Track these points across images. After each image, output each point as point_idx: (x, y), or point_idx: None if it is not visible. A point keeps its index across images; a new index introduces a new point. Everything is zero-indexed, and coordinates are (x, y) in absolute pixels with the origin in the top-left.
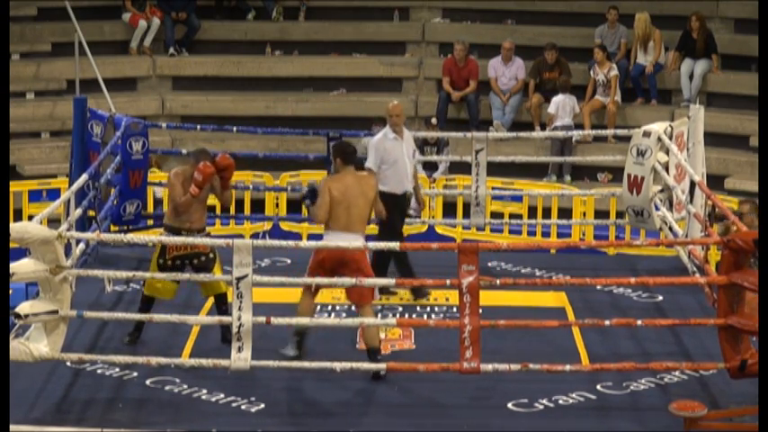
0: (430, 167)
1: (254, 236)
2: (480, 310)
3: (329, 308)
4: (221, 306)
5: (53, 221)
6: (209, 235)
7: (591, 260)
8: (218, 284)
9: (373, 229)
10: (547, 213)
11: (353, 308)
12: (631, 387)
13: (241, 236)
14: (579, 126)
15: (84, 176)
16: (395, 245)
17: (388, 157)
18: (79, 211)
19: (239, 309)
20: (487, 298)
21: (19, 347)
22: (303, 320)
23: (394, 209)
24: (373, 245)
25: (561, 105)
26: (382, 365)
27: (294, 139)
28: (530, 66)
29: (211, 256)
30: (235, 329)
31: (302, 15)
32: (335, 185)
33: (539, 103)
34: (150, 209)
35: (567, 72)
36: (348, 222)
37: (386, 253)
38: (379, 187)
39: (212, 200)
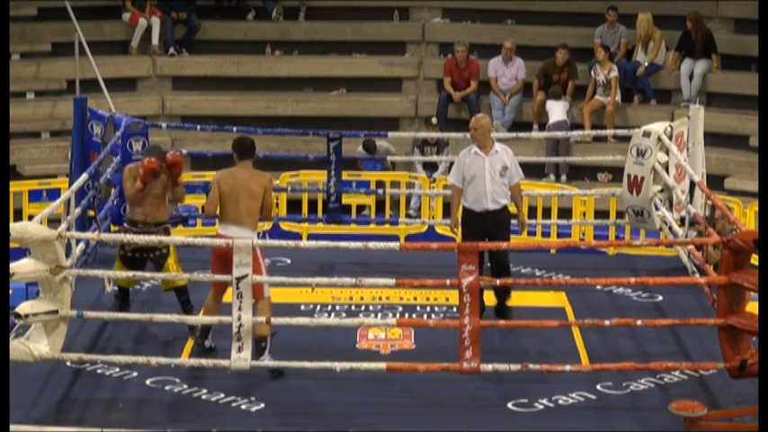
0: (430, 167)
1: None
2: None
3: (329, 308)
4: (181, 297)
5: (53, 221)
6: (167, 229)
7: (591, 260)
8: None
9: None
10: (547, 213)
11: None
12: (631, 387)
13: None
14: (577, 125)
15: (84, 176)
16: (395, 245)
17: (468, 173)
18: (79, 211)
19: (239, 309)
20: (488, 298)
21: (19, 347)
22: (303, 320)
23: (471, 226)
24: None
25: (556, 107)
26: (275, 364)
27: (294, 139)
28: (533, 65)
29: (164, 251)
30: (235, 329)
31: (302, 15)
32: (225, 180)
33: (542, 102)
34: None
35: (575, 74)
36: (236, 216)
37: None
38: (462, 203)
39: None
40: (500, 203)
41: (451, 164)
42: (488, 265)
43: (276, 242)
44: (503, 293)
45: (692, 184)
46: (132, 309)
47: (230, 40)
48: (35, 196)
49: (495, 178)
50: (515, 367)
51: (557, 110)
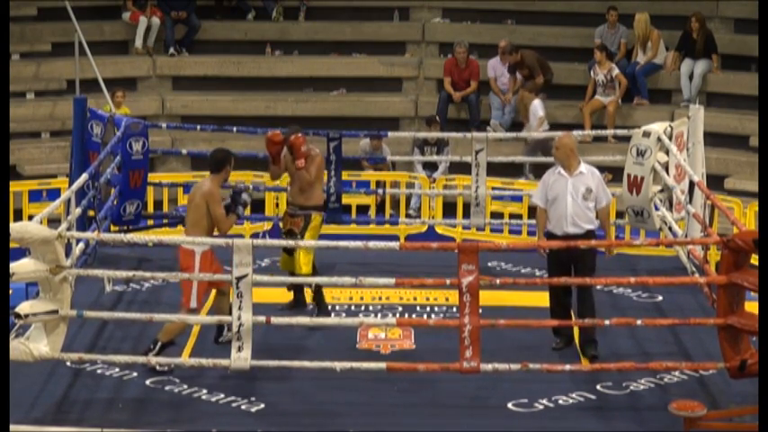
0: (430, 167)
1: (254, 236)
2: (480, 310)
3: (329, 308)
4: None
5: (53, 221)
6: (307, 216)
7: None
8: (296, 265)
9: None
10: None
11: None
12: (631, 387)
13: (241, 236)
14: (577, 125)
15: (84, 176)
16: (395, 245)
17: (551, 193)
18: (79, 211)
19: (239, 308)
20: (487, 298)
21: (19, 347)
22: (303, 320)
23: (553, 251)
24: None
25: (543, 107)
26: (165, 363)
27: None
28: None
29: (298, 237)
30: (235, 329)
31: (302, 15)
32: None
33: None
34: (150, 209)
35: (540, 72)
36: (187, 225)
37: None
38: (546, 226)
39: None
40: (582, 228)
41: (451, 164)
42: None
43: (276, 242)
44: (590, 340)
45: (692, 184)
46: (132, 309)
47: (230, 40)
48: (35, 196)
49: (578, 201)
50: (515, 367)
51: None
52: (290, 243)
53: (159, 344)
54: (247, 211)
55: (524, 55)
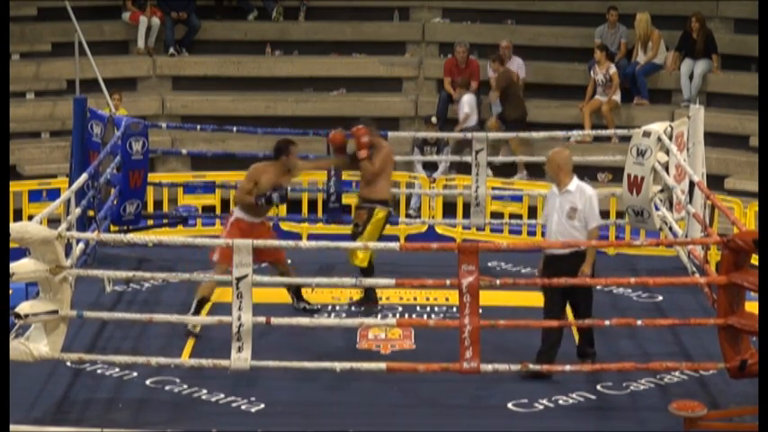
0: (430, 167)
1: None
2: (480, 310)
3: (329, 308)
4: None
5: (53, 221)
6: (371, 210)
7: None
8: (355, 257)
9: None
10: None
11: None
12: (631, 387)
13: None
14: (577, 125)
15: (84, 176)
16: (395, 245)
17: (546, 210)
18: (79, 211)
19: (239, 309)
20: (487, 298)
21: (19, 347)
22: (303, 320)
23: (545, 268)
24: None
25: (471, 104)
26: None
27: (294, 139)
28: (533, 65)
29: (360, 230)
30: (235, 329)
31: (302, 15)
32: None
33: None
34: (150, 209)
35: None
36: None
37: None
38: None
39: (211, 200)
40: (567, 249)
41: (452, 164)
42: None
43: (276, 242)
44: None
45: (692, 184)
46: (132, 309)
47: (230, 40)
48: (35, 196)
49: (562, 219)
50: (515, 367)
51: (473, 110)
52: (289, 244)
53: (195, 303)
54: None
55: (501, 72)
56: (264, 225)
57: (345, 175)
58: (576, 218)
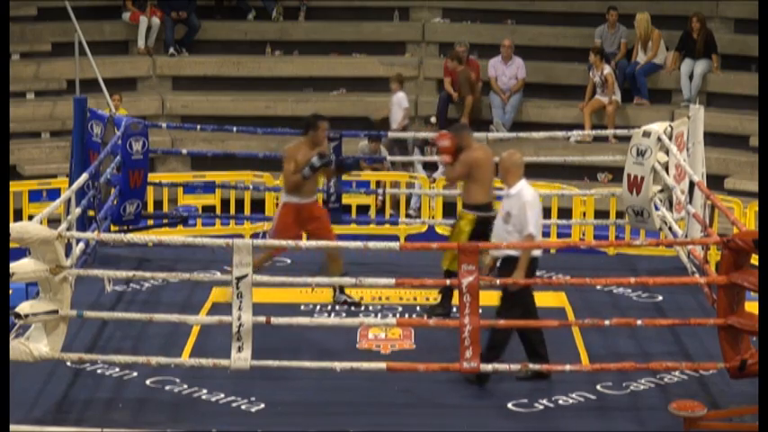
0: (430, 167)
1: (254, 236)
2: (480, 310)
3: (329, 308)
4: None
5: (53, 221)
6: (463, 210)
7: (591, 260)
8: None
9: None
10: (547, 213)
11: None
12: (631, 387)
13: (241, 236)
14: (577, 125)
15: (84, 176)
16: (395, 245)
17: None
18: (79, 211)
19: (239, 309)
20: (487, 298)
21: (19, 347)
22: (303, 320)
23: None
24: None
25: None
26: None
27: (294, 139)
28: (533, 65)
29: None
30: (235, 329)
31: (302, 15)
32: None
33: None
34: (150, 209)
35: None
36: None
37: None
38: None
39: (211, 200)
40: (501, 253)
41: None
42: None
43: (276, 242)
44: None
45: (692, 184)
46: (132, 309)
47: (230, 40)
48: (35, 196)
49: (499, 222)
50: (515, 367)
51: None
52: (289, 243)
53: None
54: (247, 211)
55: (459, 72)
56: (315, 204)
57: (345, 176)
58: (510, 222)
